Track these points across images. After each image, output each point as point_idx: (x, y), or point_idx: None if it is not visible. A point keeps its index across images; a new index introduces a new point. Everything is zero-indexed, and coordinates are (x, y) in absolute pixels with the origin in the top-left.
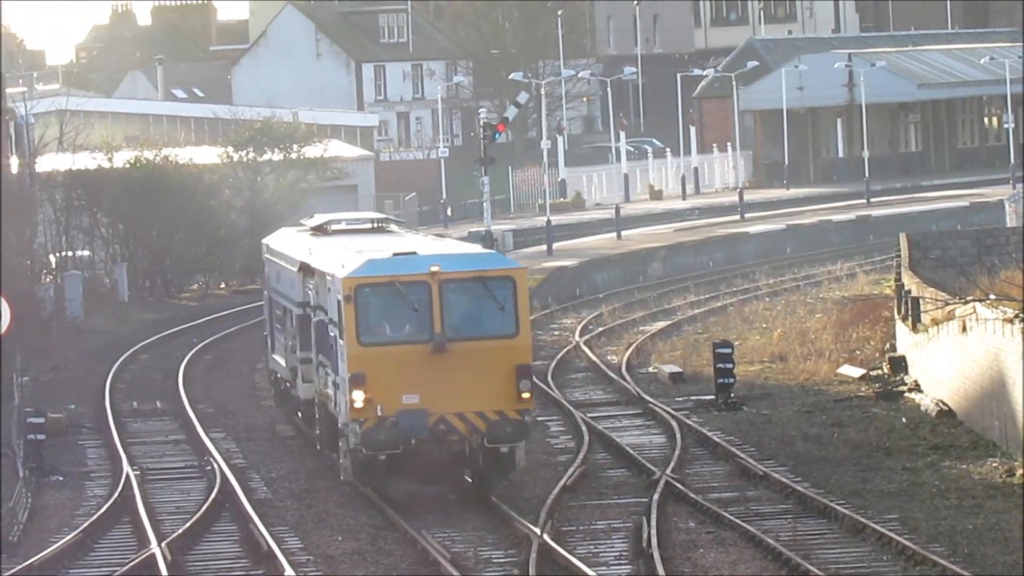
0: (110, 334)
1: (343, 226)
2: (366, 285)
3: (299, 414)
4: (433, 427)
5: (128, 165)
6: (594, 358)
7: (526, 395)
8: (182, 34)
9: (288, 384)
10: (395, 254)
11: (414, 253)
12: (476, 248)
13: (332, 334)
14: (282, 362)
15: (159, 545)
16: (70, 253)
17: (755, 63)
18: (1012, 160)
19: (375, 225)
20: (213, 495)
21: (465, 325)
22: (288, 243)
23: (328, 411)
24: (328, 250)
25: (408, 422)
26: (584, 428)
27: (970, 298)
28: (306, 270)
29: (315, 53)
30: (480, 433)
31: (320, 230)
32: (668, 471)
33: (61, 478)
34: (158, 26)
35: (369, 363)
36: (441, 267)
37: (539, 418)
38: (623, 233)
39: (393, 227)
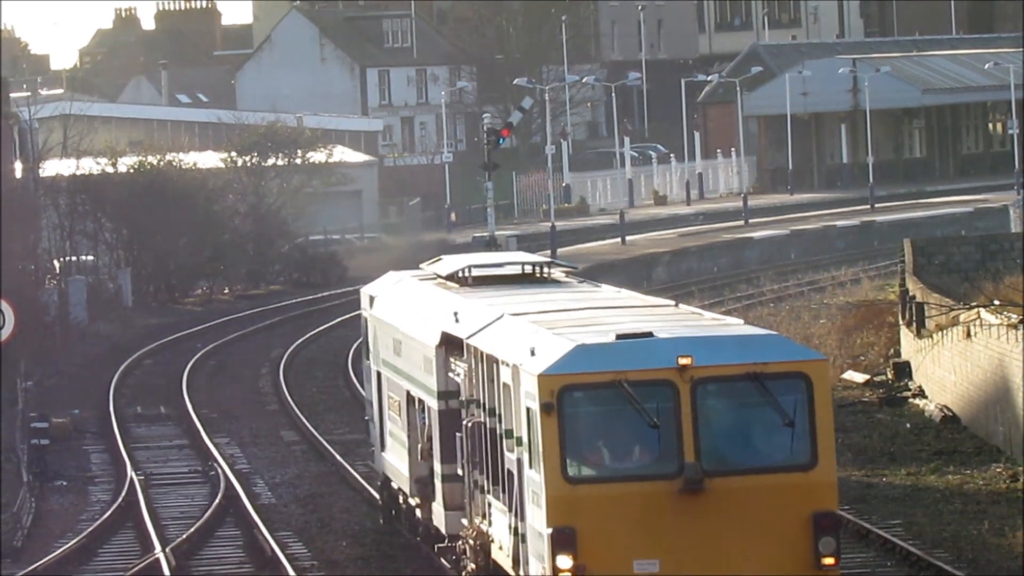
0: (114, 339)
1: (489, 272)
2: (577, 387)
3: (419, 537)
4: None
5: (132, 170)
6: None
7: (828, 560)
8: (186, 39)
9: (413, 502)
10: (620, 336)
11: (650, 335)
12: (740, 325)
13: (512, 456)
14: (402, 468)
15: (163, 550)
16: (74, 258)
17: (759, 68)
18: (1017, 166)
19: (539, 273)
20: (217, 500)
21: (733, 450)
22: (410, 299)
23: (490, 560)
24: (488, 318)
25: None
26: None
27: (974, 304)
28: (451, 345)
29: (319, 58)
30: None
31: (457, 280)
32: None
33: (65, 483)
34: (162, 31)
35: (582, 510)
36: (695, 358)
37: None
38: (627, 238)
39: (560, 275)
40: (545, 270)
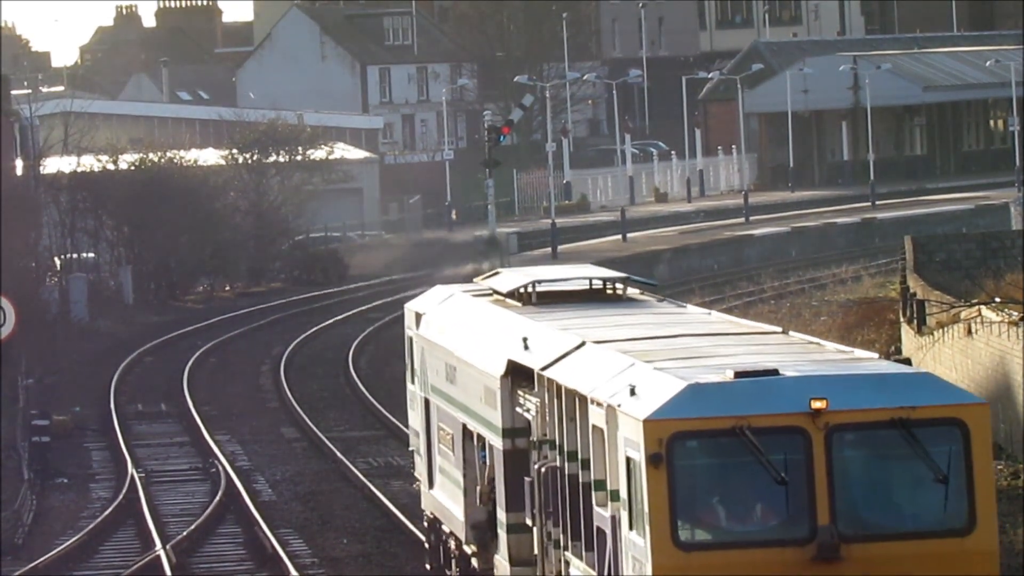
0: (115, 336)
1: (556, 288)
2: (690, 435)
3: None
4: None
5: (133, 167)
6: None
7: None
8: (187, 36)
9: (469, 550)
10: (739, 374)
11: (775, 372)
12: (876, 360)
13: (604, 513)
14: (455, 510)
15: (164, 547)
16: (75, 255)
17: (760, 66)
18: (1017, 163)
19: (612, 290)
20: (218, 497)
21: (875, 512)
22: (465, 319)
23: None
24: (565, 345)
25: None
26: None
27: (975, 301)
28: (519, 375)
29: (320, 55)
30: None
31: (519, 297)
32: None
33: (66, 480)
34: (163, 28)
35: None
36: (830, 401)
37: None
38: (628, 235)
39: (637, 293)
40: (618, 287)
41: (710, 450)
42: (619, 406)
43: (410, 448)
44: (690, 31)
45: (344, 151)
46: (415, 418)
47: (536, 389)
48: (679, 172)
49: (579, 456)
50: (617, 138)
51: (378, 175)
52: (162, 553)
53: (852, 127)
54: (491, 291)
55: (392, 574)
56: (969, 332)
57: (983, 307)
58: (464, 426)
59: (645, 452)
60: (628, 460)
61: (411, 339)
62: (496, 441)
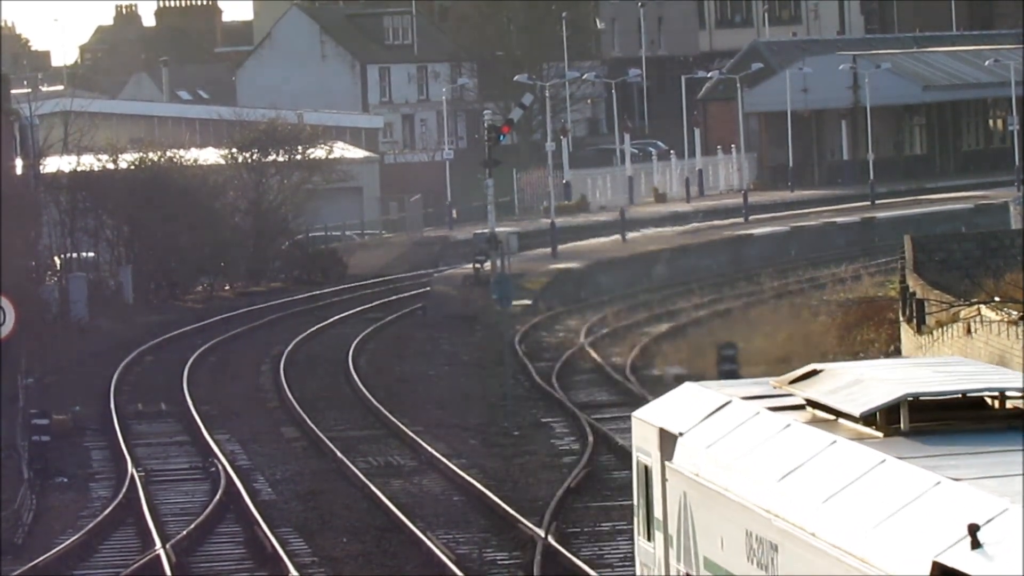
0: (115, 336)
1: (936, 400)
2: None
3: None
4: None
5: (133, 167)
6: (599, 360)
7: None
8: (187, 36)
9: None
10: None
11: None
12: None
13: None
14: None
15: (163, 547)
16: (75, 255)
17: (760, 65)
18: (1017, 162)
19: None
20: (217, 497)
21: None
22: (782, 454)
23: None
24: None
25: None
26: (589, 430)
27: (974, 300)
28: None
29: (320, 55)
30: None
31: (876, 422)
32: None
33: (66, 480)
34: (163, 28)
35: None
36: None
37: (543, 419)
38: (628, 235)
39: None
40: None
41: None
42: None
43: None
44: (690, 31)
45: (344, 150)
46: None
47: None
48: (678, 172)
49: None
50: (616, 138)
51: (378, 174)
52: (162, 552)
53: (852, 126)
54: (806, 403)
55: (392, 574)
56: (968, 331)
57: (982, 306)
58: None
59: None
60: None
61: (647, 468)
62: None
